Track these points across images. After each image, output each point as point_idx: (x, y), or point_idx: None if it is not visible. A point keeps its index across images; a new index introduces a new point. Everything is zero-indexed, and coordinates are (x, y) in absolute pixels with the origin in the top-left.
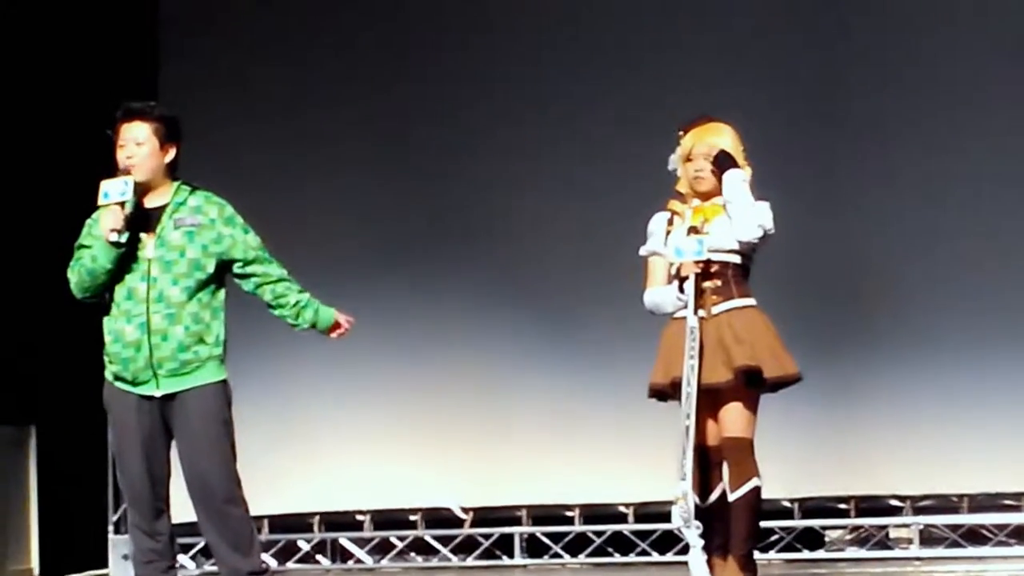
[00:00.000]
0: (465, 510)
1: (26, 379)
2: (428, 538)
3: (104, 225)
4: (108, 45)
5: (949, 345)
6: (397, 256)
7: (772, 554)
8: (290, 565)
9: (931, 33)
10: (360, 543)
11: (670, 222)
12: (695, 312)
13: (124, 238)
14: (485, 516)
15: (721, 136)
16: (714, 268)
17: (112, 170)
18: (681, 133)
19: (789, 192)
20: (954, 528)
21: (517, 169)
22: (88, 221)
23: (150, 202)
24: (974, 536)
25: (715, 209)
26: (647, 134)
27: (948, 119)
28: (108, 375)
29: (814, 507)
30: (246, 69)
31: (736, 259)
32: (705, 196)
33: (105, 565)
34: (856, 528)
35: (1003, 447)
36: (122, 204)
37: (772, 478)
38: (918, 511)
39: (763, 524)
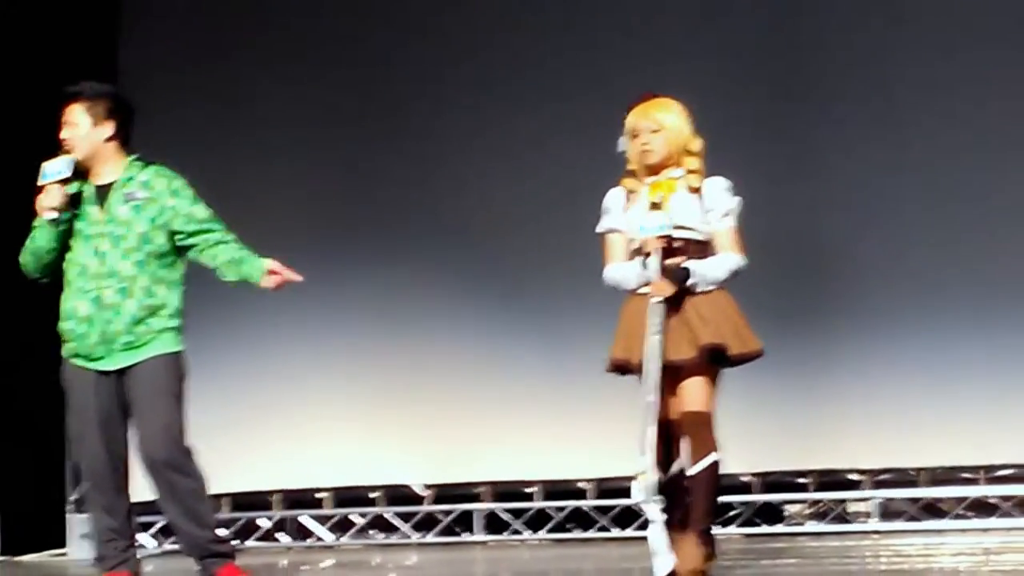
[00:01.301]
0: (426, 487)
1: None
2: (388, 515)
3: (42, 204)
4: (67, 27)
5: (909, 320)
6: (360, 237)
7: (731, 528)
8: (250, 543)
9: (894, 7)
10: (321, 520)
11: (627, 199)
12: None
13: (64, 216)
14: (445, 493)
15: (667, 110)
16: (677, 244)
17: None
18: (627, 113)
19: (750, 166)
20: (912, 501)
21: (486, 145)
22: None
23: (101, 179)
24: (932, 510)
25: (670, 184)
26: (608, 109)
27: (908, 93)
28: (65, 353)
29: (773, 481)
30: (209, 52)
31: (698, 236)
32: (654, 170)
33: (64, 544)
34: (815, 502)
35: (961, 421)
36: (61, 183)
37: (731, 453)
38: (877, 485)
39: (722, 499)
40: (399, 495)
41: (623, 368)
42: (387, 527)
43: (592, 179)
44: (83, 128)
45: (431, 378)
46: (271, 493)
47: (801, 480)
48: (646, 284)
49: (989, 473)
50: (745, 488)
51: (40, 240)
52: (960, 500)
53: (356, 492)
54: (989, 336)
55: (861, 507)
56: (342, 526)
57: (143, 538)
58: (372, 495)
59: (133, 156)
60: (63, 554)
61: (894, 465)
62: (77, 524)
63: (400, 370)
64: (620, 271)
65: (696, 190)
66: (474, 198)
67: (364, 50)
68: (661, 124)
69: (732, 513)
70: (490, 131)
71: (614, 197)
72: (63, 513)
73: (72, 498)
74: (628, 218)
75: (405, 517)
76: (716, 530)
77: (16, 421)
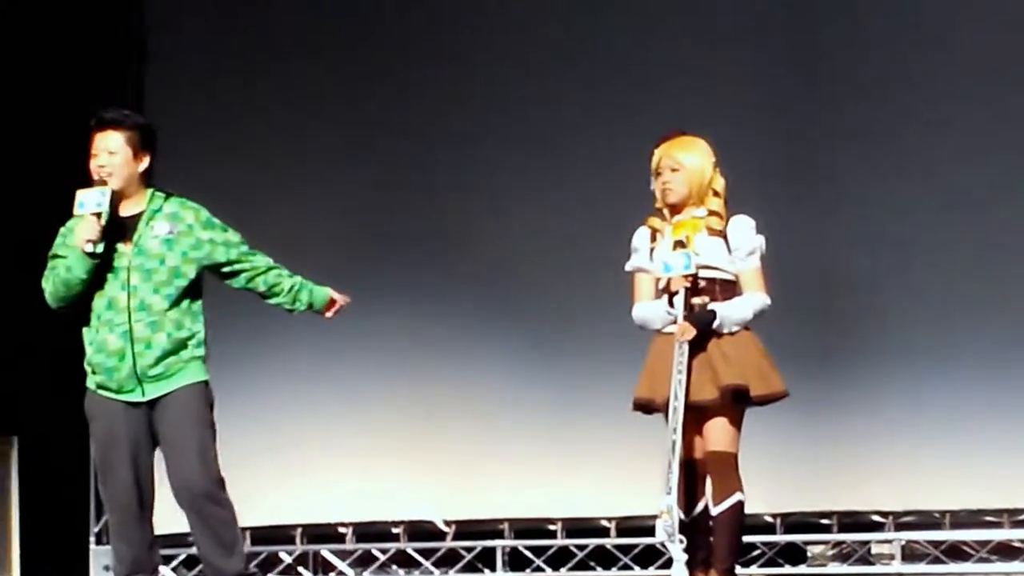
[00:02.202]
0: (447, 523)
1: (7, 390)
2: (410, 551)
3: (80, 235)
4: (92, 48)
5: (932, 361)
6: (384, 269)
7: (754, 569)
8: (367, 575)
9: (910, 44)
10: (342, 555)
11: (652, 238)
12: None
13: (99, 248)
14: (467, 529)
15: (690, 149)
16: (702, 284)
17: (87, 179)
18: (655, 149)
19: (771, 206)
20: (936, 544)
21: (506, 182)
22: (62, 230)
23: (125, 210)
24: (956, 552)
25: (694, 224)
26: (634, 145)
27: (928, 130)
28: (91, 384)
29: (796, 522)
30: (231, 71)
31: (723, 275)
32: (675, 209)
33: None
34: (838, 544)
35: (985, 463)
36: (98, 215)
37: (754, 493)
38: (900, 527)
39: (745, 539)
40: (421, 531)
41: (647, 407)
42: (408, 562)
43: (619, 215)
44: (121, 157)
45: (455, 413)
46: (293, 527)
47: (824, 521)
48: (672, 323)
49: (1013, 516)
50: (768, 528)
51: (75, 271)
52: (984, 543)
53: (378, 527)
54: (1014, 378)
55: (884, 549)
56: (364, 561)
57: (165, 572)
58: (394, 530)
59: (153, 187)
60: None
61: (918, 507)
62: (99, 555)
63: (424, 405)
64: (647, 311)
65: (717, 232)
66: (507, 234)
67: (390, 80)
68: (681, 164)
69: (755, 553)
70: (515, 164)
71: (641, 236)
72: (85, 544)
73: (95, 530)
74: (654, 257)
75: (426, 553)
76: (739, 571)
77: (37, 451)
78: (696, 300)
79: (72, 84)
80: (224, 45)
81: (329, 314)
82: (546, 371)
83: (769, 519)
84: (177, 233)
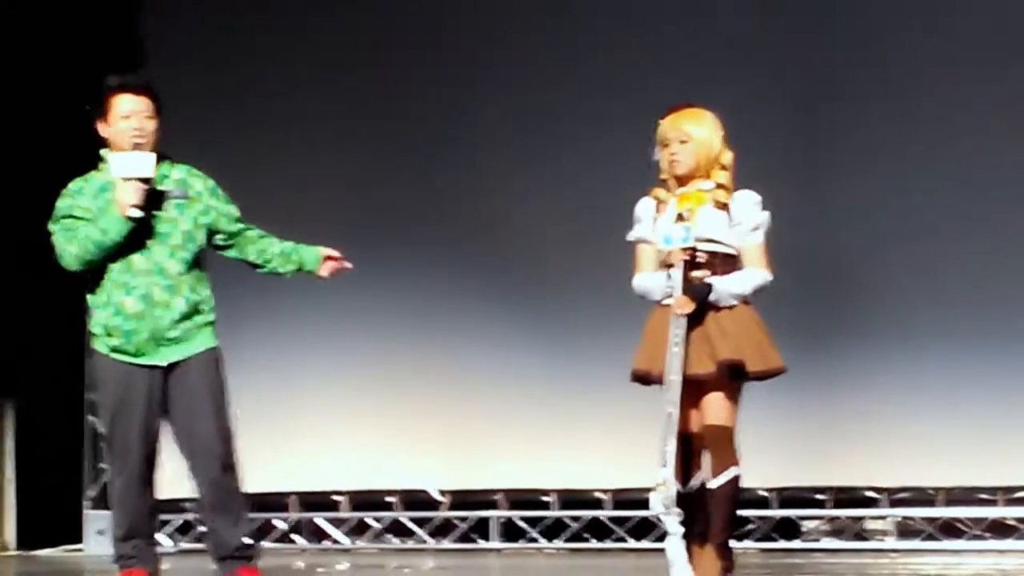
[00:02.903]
0: (443, 493)
1: (3, 354)
2: (405, 520)
3: (124, 200)
4: (91, 28)
5: (929, 338)
6: (383, 242)
7: (748, 543)
8: (265, 544)
9: (917, 27)
10: (337, 524)
11: (657, 209)
12: None
13: (141, 215)
14: (462, 499)
15: (698, 121)
16: (702, 257)
17: (96, 141)
18: (659, 121)
19: (771, 182)
20: (930, 521)
21: (504, 155)
22: (66, 192)
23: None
24: (950, 529)
25: (699, 196)
26: (632, 120)
27: (931, 111)
28: (102, 347)
29: (791, 497)
30: (235, 48)
31: (724, 248)
32: (682, 180)
33: (80, 540)
34: (832, 519)
35: (981, 441)
36: (143, 180)
37: (750, 467)
38: (895, 503)
39: (740, 513)
40: (416, 500)
41: (644, 378)
42: (403, 532)
43: (620, 188)
44: (156, 123)
45: (451, 384)
46: (288, 495)
47: (819, 496)
48: (669, 296)
49: (1008, 494)
50: (763, 503)
51: (112, 234)
52: (978, 520)
53: (373, 496)
54: (1011, 356)
55: (878, 525)
56: (358, 530)
57: (160, 537)
58: (389, 499)
59: (158, 153)
60: (79, 550)
61: (912, 484)
62: (93, 520)
63: (421, 376)
64: (647, 281)
65: (723, 205)
66: (504, 207)
67: (397, 53)
68: (690, 135)
69: (749, 528)
70: (520, 137)
71: (644, 206)
72: (79, 509)
73: (89, 495)
74: (656, 228)
75: (421, 522)
76: (733, 544)
77: (33, 416)
78: (696, 273)
79: (67, 60)
80: (226, 19)
81: (324, 273)
82: (542, 342)
83: (764, 494)
84: (188, 199)
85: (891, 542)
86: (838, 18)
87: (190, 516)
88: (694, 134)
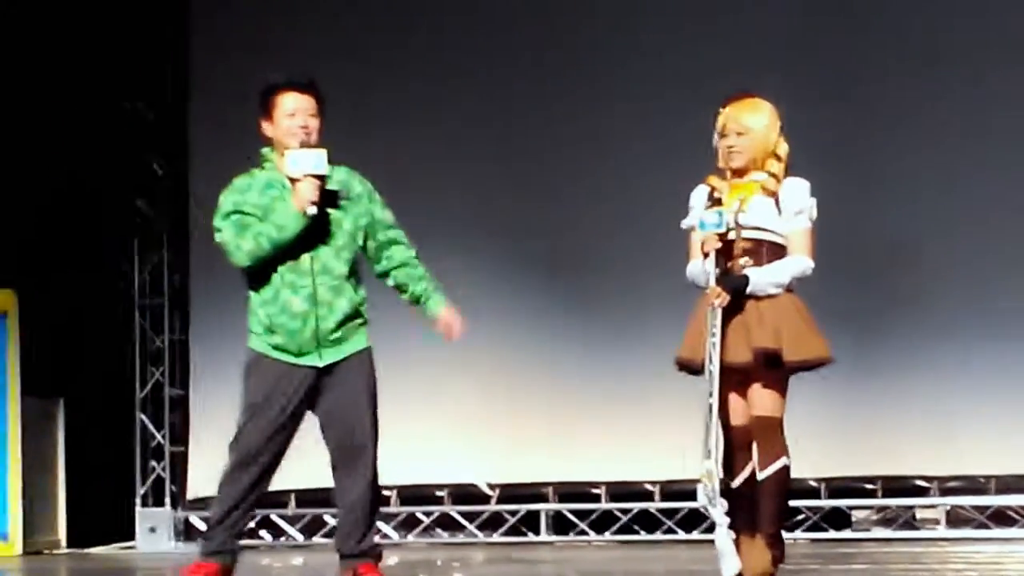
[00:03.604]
0: (491, 486)
1: (55, 353)
2: (454, 514)
3: (303, 197)
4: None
5: (977, 327)
6: (435, 229)
7: (798, 533)
8: (316, 539)
9: (963, 19)
10: (387, 518)
11: (711, 197)
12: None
13: (316, 211)
14: (511, 493)
15: (757, 113)
16: (748, 245)
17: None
18: (720, 109)
19: (824, 174)
20: (981, 509)
21: (551, 154)
22: (233, 188)
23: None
24: (1001, 517)
25: (751, 186)
26: (681, 112)
27: (979, 103)
28: (259, 345)
29: (841, 487)
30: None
31: (771, 237)
32: (739, 172)
33: (132, 537)
34: (883, 508)
35: None
36: (319, 177)
37: (799, 458)
38: (945, 492)
39: (790, 504)
40: (465, 494)
41: (687, 367)
42: (453, 525)
43: (661, 182)
44: (320, 121)
45: (500, 378)
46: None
47: (869, 486)
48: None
49: None
50: (813, 493)
51: (289, 231)
52: None
53: (422, 490)
54: None
55: (929, 514)
56: (408, 524)
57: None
58: (438, 493)
59: None
60: (131, 547)
61: (963, 472)
62: (145, 517)
63: (468, 370)
64: (694, 268)
65: (772, 193)
66: (555, 201)
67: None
68: (748, 128)
69: (799, 518)
70: (564, 125)
71: (699, 194)
72: (132, 506)
73: (140, 492)
74: (694, 215)
75: (470, 516)
76: (784, 535)
77: (83, 415)
78: (740, 262)
79: (120, 66)
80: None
81: (438, 328)
82: (591, 336)
83: (813, 484)
84: (350, 200)
85: (942, 531)
86: (890, 11)
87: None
88: (752, 126)
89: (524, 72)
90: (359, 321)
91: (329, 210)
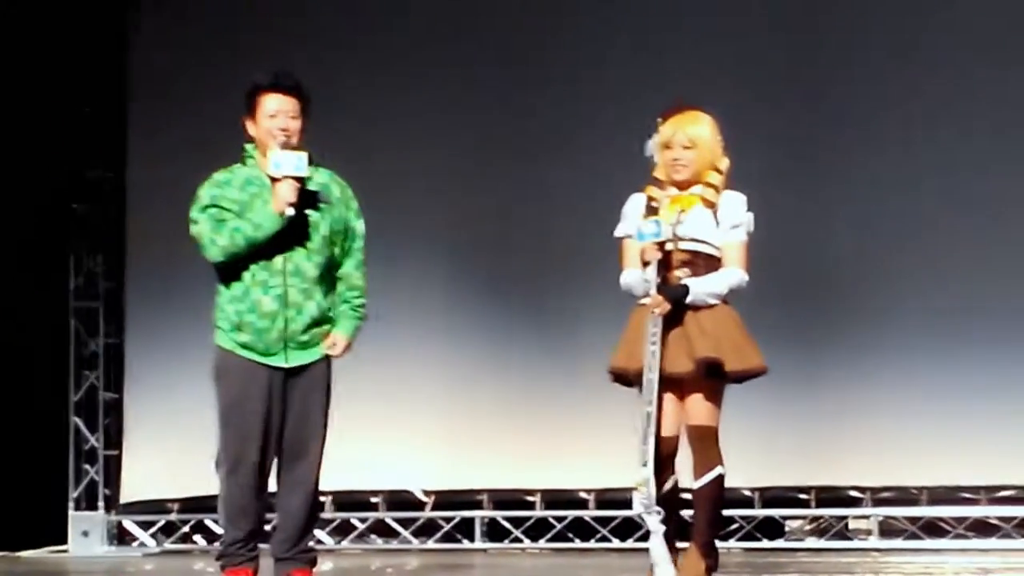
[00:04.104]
0: (426, 493)
1: None
2: (389, 520)
3: (282, 197)
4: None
5: (913, 339)
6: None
7: (732, 542)
8: (345, 544)
9: (914, 29)
10: (321, 524)
11: (648, 207)
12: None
13: (295, 212)
14: (446, 499)
15: (702, 125)
16: (686, 257)
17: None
18: (660, 120)
19: (759, 184)
20: (913, 520)
21: (491, 161)
22: (211, 183)
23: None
24: (933, 529)
25: (691, 199)
26: (627, 122)
27: (926, 113)
28: (226, 343)
29: (774, 496)
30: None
31: (708, 249)
32: (682, 185)
33: (65, 541)
34: (816, 518)
35: (963, 441)
36: (298, 178)
37: (733, 467)
38: (877, 503)
39: (724, 513)
40: (400, 500)
41: (621, 376)
42: (387, 532)
43: (606, 187)
44: (301, 123)
45: (433, 384)
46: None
47: (802, 496)
48: (647, 294)
49: (990, 493)
50: (746, 503)
51: (265, 230)
52: (961, 520)
53: (357, 496)
54: (994, 357)
55: (862, 524)
56: (342, 530)
57: (143, 537)
58: (373, 500)
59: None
60: (64, 550)
61: (895, 483)
62: (78, 521)
63: (403, 375)
64: (631, 278)
65: (711, 204)
66: (483, 206)
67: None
68: (695, 141)
69: (733, 527)
70: (507, 132)
71: (634, 203)
72: (64, 509)
73: (73, 495)
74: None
75: (405, 523)
76: (717, 544)
77: (18, 415)
78: (677, 272)
79: (55, 67)
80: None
81: (326, 346)
82: (526, 343)
83: (747, 493)
84: (328, 204)
85: (874, 541)
86: (841, 22)
87: (174, 517)
88: (699, 140)
89: (490, 72)
90: (327, 327)
91: (307, 212)
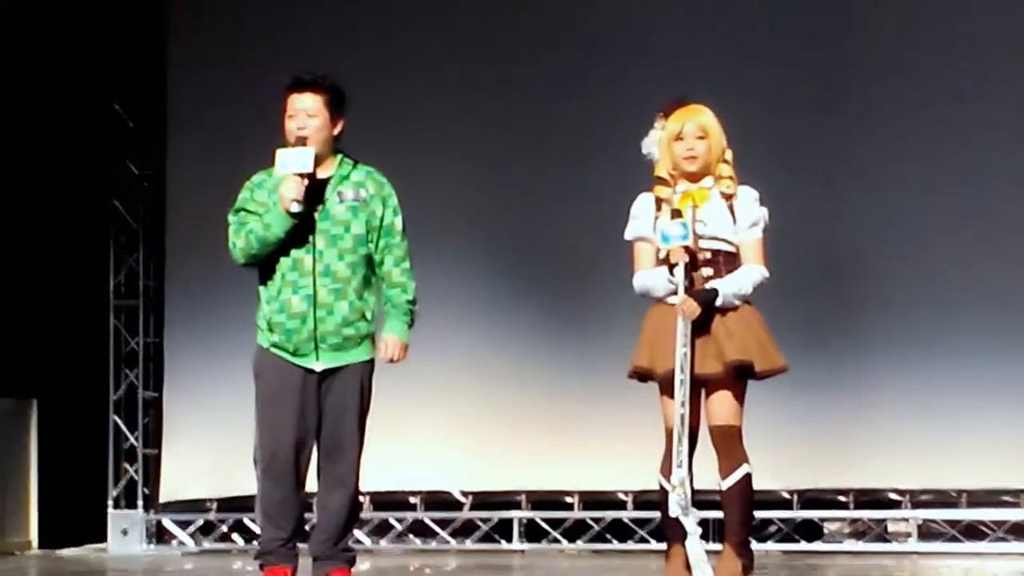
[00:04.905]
0: (465, 494)
1: (27, 352)
2: (427, 520)
3: (285, 195)
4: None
5: (953, 341)
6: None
7: (770, 544)
8: (384, 544)
9: (928, 32)
10: (359, 524)
11: (658, 207)
12: None
13: (302, 209)
14: (484, 500)
15: (707, 115)
16: (707, 256)
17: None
18: (662, 114)
19: (784, 186)
20: (952, 523)
21: (517, 164)
22: (248, 184)
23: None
24: (972, 531)
25: (703, 193)
26: (639, 124)
27: (940, 117)
28: (264, 342)
29: (813, 499)
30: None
31: (727, 247)
32: (693, 176)
33: (104, 539)
34: (854, 520)
35: (1003, 443)
36: (303, 175)
37: (772, 469)
38: (917, 505)
39: (762, 515)
40: (438, 501)
41: (645, 375)
42: (426, 532)
43: (626, 192)
44: (320, 120)
45: (473, 385)
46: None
47: (841, 498)
48: (673, 294)
49: None
50: (785, 504)
51: (275, 229)
52: (1000, 523)
53: (396, 496)
54: None
55: (901, 527)
56: (381, 530)
57: (182, 536)
58: (412, 500)
59: (341, 153)
60: (103, 549)
61: (935, 486)
62: (117, 519)
63: (443, 376)
64: (649, 279)
65: (730, 196)
66: (517, 212)
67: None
68: (707, 130)
69: (771, 529)
70: (526, 135)
71: (642, 204)
72: (104, 507)
73: (113, 493)
74: (656, 226)
75: (444, 523)
76: (754, 545)
77: (56, 415)
78: (700, 272)
79: (98, 67)
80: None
81: (381, 351)
82: (565, 345)
83: (786, 495)
84: (362, 201)
85: (913, 544)
86: (855, 24)
87: (213, 516)
88: (711, 130)
89: (527, 75)
90: (364, 330)
91: (336, 212)
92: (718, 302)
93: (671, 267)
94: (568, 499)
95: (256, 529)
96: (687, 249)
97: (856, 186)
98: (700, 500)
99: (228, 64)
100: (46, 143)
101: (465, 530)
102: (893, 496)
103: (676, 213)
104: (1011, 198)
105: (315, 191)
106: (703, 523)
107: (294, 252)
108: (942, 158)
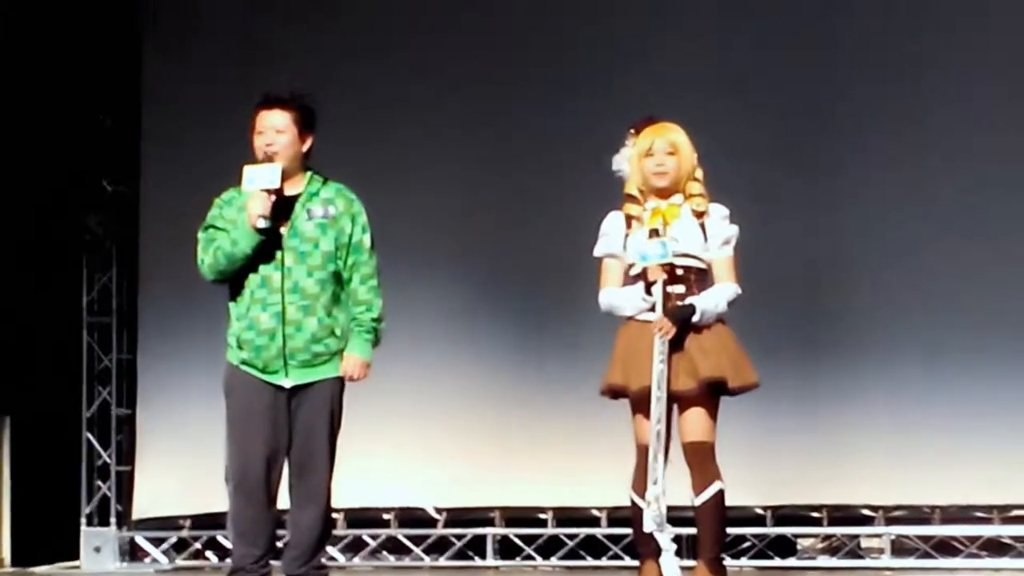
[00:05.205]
0: (438, 510)
1: (1, 371)
2: (401, 537)
3: (252, 211)
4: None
5: (927, 356)
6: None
7: (744, 561)
8: (357, 561)
9: (915, 38)
10: (333, 541)
11: (628, 224)
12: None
13: (268, 225)
14: (458, 517)
15: (678, 132)
16: (679, 272)
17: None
18: (633, 132)
19: (758, 199)
20: (925, 539)
21: (493, 178)
22: (217, 201)
23: (284, 190)
24: (945, 548)
25: (672, 210)
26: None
27: (928, 124)
28: (233, 359)
29: (786, 515)
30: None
31: (699, 264)
32: (663, 193)
33: (77, 557)
34: (828, 537)
35: (976, 459)
36: (270, 191)
37: (745, 485)
38: (890, 521)
39: (735, 531)
40: (412, 518)
41: (619, 393)
42: (399, 549)
43: (601, 207)
44: (288, 136)
45: (446, 401)
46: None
47: (814, 514)
48: (649, 311)
49: (1003, 512)
50: (758, 521)
51: (241, 245)
52: (973, 539)
53: (369, 513)
54: (1006, 374)
55: (874, 543)
56: (354, 547)
57: (155, 553)
58: (385, 516)
59: (311, 171)
60: (76, 566)
61: (908, 502)
62: (90, 537)
63: (417, 393)
64: (618, 297)
65: (701, 214)
66: (491, 221)
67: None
68: (677, 147)
69: (745, 545)
70: (502, 151)
71: (612, 221)
72: (77, 525)
73: (86, 511)
74: (629, 244)
75: (417, 540)
76: (728, 561)
77: (30, 432)
78: (673, 289)
79: (71, 81)
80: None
81: (344, 367)
82: (539, 360)
83: (759, 511)
84: (331, 219)
85: (886, 560)
86: (842, 31)
87: (186, 533)
88: (681, 146)
89: (517, 89)
90: (334, 347)
91: (305, 229)
92: (695, 319)
93: (648, 285)
94: (542, 515)
95: (229, 546)
96: (666, 268)
97: (843, 203)
98: (673, 516)
99: (204, 82)
100: (18, 160)
101: (439, 547)
102: (866, 512)
103: (654, 232)
104: (1002, 213)
105: (283, 207)
106: (676, 539)
107: (263, 269)
108: (932, 170)
